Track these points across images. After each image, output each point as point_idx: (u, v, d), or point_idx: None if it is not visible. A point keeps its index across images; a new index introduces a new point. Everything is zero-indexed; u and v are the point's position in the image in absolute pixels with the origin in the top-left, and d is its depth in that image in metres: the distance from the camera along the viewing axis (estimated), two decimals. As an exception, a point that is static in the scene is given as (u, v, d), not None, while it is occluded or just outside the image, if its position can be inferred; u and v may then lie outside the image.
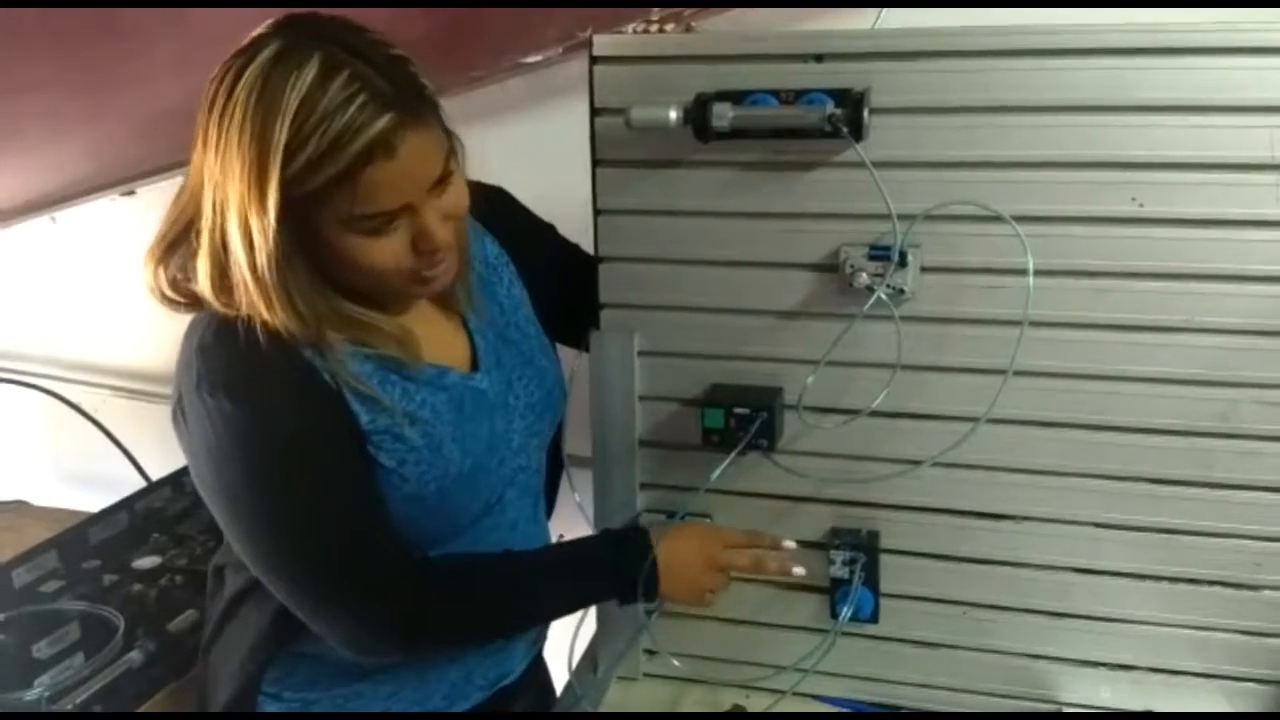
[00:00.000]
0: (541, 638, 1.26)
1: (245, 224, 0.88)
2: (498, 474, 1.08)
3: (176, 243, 0.96)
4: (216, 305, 0.94)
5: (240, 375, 0.94)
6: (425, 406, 1.01)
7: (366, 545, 0.99)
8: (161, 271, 0.97)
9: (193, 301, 0.97)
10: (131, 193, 1.93)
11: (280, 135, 0.84)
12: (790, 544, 1.16)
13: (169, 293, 0.98)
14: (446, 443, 1.01)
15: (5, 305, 2.23)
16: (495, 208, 1.18)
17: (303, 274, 0.92)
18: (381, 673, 1.09)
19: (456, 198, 0.96)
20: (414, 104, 0.89)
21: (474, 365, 1.08)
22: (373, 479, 0.98)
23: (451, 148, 0.95)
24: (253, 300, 0.91)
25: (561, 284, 1.21)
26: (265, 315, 0.91)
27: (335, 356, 0.96)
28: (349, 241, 0.91)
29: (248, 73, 0.86)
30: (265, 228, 0.87)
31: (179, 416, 0.97)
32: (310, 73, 0.85)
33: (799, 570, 1.14)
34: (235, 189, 0.87)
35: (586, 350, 1.20)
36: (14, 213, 1.99)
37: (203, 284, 0.93)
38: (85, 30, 1.24)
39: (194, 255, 0.94)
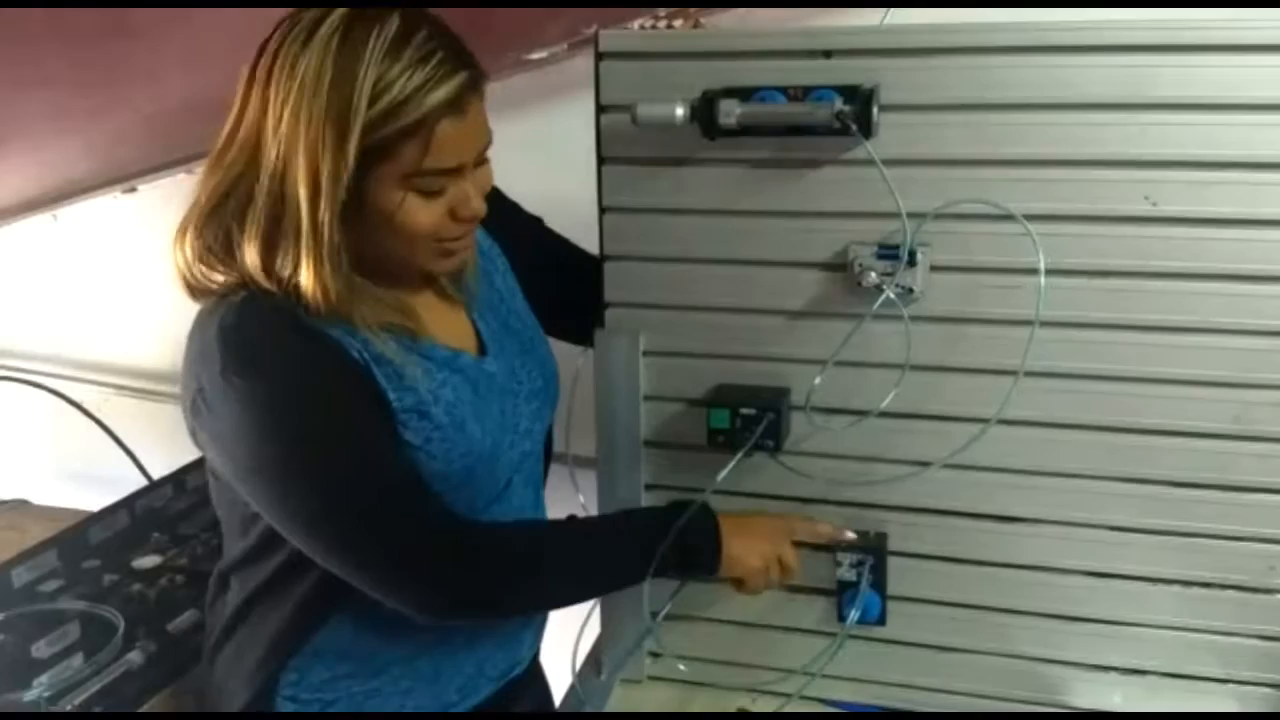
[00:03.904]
0: (544, 629, 1.25)
1: (314, 172, 0.90)
2: (509, 457, 1.08)
3: (219, 208, 0.95)
4: (254, 270, 0.94)
5: (267, 352, 0.94)
6: (446, 386, 1.02)
7: (421, 498, 0.98)
8: (195, 241, 0.96)
9: (214, 284, 0.97)
10: (134, 190, 1.93)
11: (365, 82, 0.88)
12: (851, 535, 1.15)
13: (196, 268, 0.97)
14: (469, 421, 1.02)
15: (7, 303, 2.23)
16: (489, 205, 1.18)
17: (345, 243, 0.94)
18: (398, 667, 1.09)
19: (490, 175, 1.01)
20: (478, 71, 0.95)
21: (481, 351, 1.09)
22: (405, 453, 0.99)
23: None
24: (300, 255, 0.92)
25: (552, 276, 1.21)
26: (307, 275, 0.92)
27: (361, 334, 0.97)
28: (402, 201, 0.94)
29: (324, 26, 0.90)
30: (339, 173, 0.89)
31: (200, 406, 0.96)
32: (393, 27, 0.90)
33: (850, 535, 1.15)
34: (309, 135, 0.89)
35: (580, 344, 1.20)
36: (16, 210, 1.98)
37: (249, 242, 0.94)
38: (92, 27, 1.24)
39: (242, 214, 0.94)
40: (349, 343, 0.97)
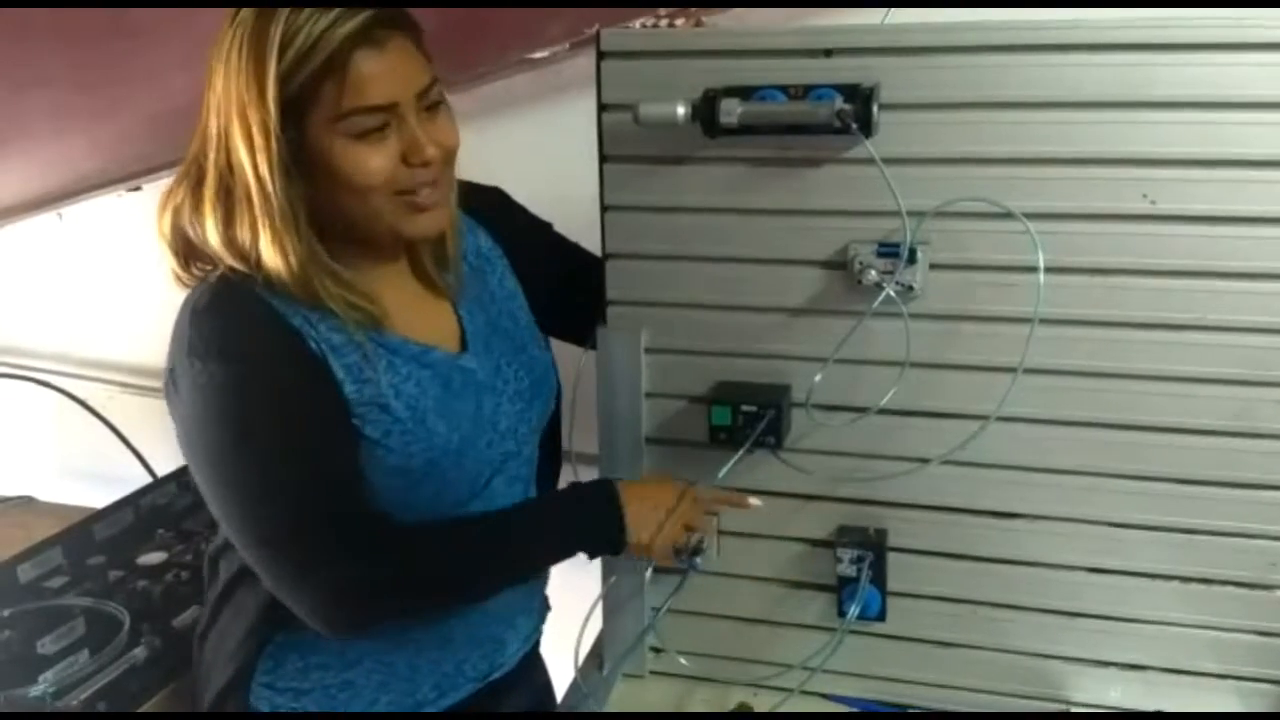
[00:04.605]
0: (536, 632, 1.25)
1: (247, 128, 0.92)
2: (485, 455, 1.08)
3: (184, 194, 0.98)
4: (217, 246, 0.96)
5: (230, 340, 0.96)
6: (410, 380, 1.02)
7: (336, 515, 0.99)
8: (171, 231, 0.99)
9: (197, 272, 1.00)
10: (138, 189, 1.93)
11: (275, 33, 0.91)
12: (756, 502, 1.16)
13: (180, 254, 1.00)
14: (431, 416, 1.03)
15: (12, 301, 2.23)
16: (493, 207, 1.20)
17: (299, 205, 0.95)
18: (370, 660, 1.09)
19: (447, 128, 1.00)
20: (396, 14, 0.96)
21: (463, 347, 1.10)
22: (355, 450, 0.99)
23: (438, 81, 0.99)
24: (255, 221, 0.94)
25: (560, 280, 1.21)
26: (266, 241, 0.94)
27: (322, 323, 0.98)
28: (340, 147, 0.94)
29: (245, 9, 0.93)
30: (265, 121, 0.92)
31: (170, 385, 0.99)
32: None
33: (755, 502, 1.16)
34: (236, 97, 0.92)
35: (590, 347, 1.20)
36: (21, 209, 1.99)
37: (208, 218, 0.96)
38: (93, 28, 1.24)
39: (199, 192, 0.97)
40: (308, 332, 0.98)
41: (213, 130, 0.95)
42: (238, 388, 0.95)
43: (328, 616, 1.00)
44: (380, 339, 1.02)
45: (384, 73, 0.93)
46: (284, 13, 0.91)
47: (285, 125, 0.92)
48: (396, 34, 0.95)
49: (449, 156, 1.01)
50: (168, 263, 1.01)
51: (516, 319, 1.16)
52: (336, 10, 0.91)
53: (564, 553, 1.11)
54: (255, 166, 0.93)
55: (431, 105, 0.98)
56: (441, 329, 1.09)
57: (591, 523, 1.09)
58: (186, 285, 1.01)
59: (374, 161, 0.95)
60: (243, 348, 0.96)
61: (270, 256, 0.95)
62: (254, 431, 0.96)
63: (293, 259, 0.95)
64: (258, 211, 0.94)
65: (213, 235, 0.96)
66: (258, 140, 0.92)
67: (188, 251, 1.00)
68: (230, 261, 0.97)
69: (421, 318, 1.07)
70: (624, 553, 1.10)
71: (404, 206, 0.98)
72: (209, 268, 1.00)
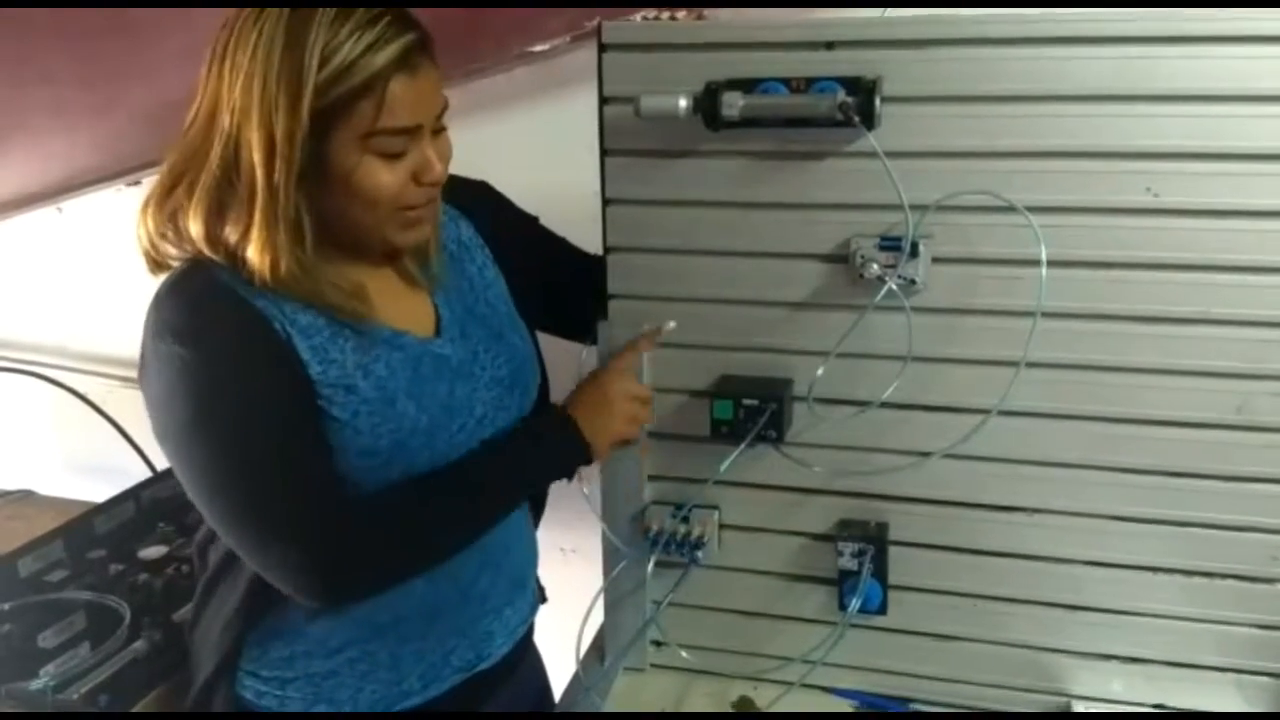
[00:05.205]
0: (525, 624, 1.24)
1: (269, 133, 0.92)
2: (458, 440, 1.08)
3: (177, 182, 0.97)
4: (197, 237, 0.96)
5: (192, 320, 0.96)
6: (379, 361, 1.03)
7: (300, 489, 0.99)
8: (155, 216, 0.98)
9: (172, 260, 1.00)
10: (138, 183, 1.93)
11: (313, 46, 0.91)
12: (670, 324, 1.17)
13: (157, 243, 0.99)
14: (401, 397, 1.03)
15: (11, 295, 2.23)
16: (480, 200, 1.20)
17: (305, 213, 0.96)
18: (354, 649, 1.09)
19: (448, 146, 1.03)
20: (426, 35, 0.97)
21: (437, 334, 1.10)
22: (320, 429, 1.00)
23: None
24: (251, 221, 0.94)
25: (547, 274, 1.22)
26: (256, 241, 0.94)
27: (288, 305, 0.98)
28: (361, 162, 0.96)
29: (269, 10, 0.92)
30: (294, 131, 0.92)
31: (141, 369, 0.99)
32: None
33: (670, 325, 1.17)
34: (262, 102, 0.92)
35: (576, 340, 1.20)
36: (20, 203, 1.99)
37: (195, 210, 0.96)
38: (94, 25, 1.25)
39: (194, 184, 0.96)
40: (273, 313, 0.98)
41: (225, 125, 0.93)
42: (201, 367, 0.95)
43: (304, 586, 1.00)
44: (352, 322, 1.02)
45: (415, 98, 0.96)
46: (322, 24, 0.91)
47: (309, 135, 0.93)
48: (427, 60, 0.97)
49: (447, 172, 1.03)
50: (143, 247, 0.99)
51: (495, 307, 1.16)
52: (376, 31, 0.92)
53: (534, 486, 1.14)
54: (270, 172, 0.92)
55: (440, 127, 1.01)
56: (417, 316, 1.09)
57: (557, 451, 1.11)
58: (157, 267, 1.01)
59: (389, 178, 0.97)
60: (206, 328, 0.97)
61: (255, 257, 0.95)
62: (217, 409, 0.96)
63: (282, 265, 0.95)
64: (257, 214, 0.94)
65: (195, 227, 0.96)
66: (281, 147, 0.92)
67: (164, 237, 0.99)
68: (209, 254, 0.97)
69: (398, 306, 1.07)
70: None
71: (404, 219, 1.01)
72: (174, 252, 0.99)
